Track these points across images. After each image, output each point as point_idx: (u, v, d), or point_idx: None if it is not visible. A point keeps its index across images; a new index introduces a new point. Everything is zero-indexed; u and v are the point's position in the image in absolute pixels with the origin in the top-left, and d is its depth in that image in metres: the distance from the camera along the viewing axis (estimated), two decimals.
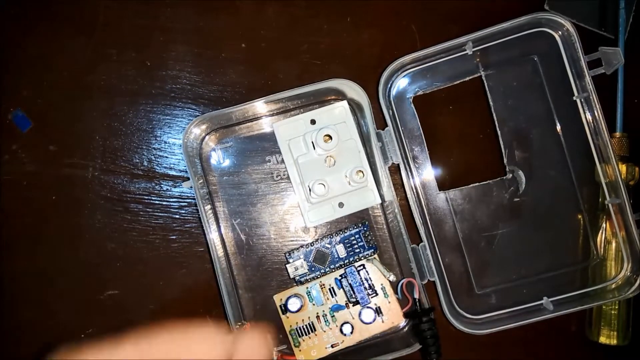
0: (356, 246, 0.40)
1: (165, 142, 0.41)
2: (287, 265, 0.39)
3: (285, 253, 0.40)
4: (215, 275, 0.37)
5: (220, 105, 0.41)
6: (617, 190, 0.38)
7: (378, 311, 0.39)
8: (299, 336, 0.39)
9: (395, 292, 0.39)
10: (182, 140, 0.38)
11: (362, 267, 0.39)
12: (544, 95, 0.41)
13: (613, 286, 0.40)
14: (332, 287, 0.39)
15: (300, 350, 0.39)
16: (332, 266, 0.40)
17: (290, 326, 0.39)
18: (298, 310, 0.39)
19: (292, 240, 0.40)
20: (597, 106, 0.38)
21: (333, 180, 0.39)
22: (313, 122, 0.39)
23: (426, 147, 0.41)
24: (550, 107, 0.41)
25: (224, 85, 0.41)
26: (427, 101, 0.41)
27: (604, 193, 0.40)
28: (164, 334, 0.22)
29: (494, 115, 0.40)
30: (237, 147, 0.40)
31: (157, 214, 0.41)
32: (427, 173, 0.41)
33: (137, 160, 0.41)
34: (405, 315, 0.39)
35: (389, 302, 0.39)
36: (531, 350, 0.42)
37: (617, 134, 0.40)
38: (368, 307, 0.39)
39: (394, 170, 0.40)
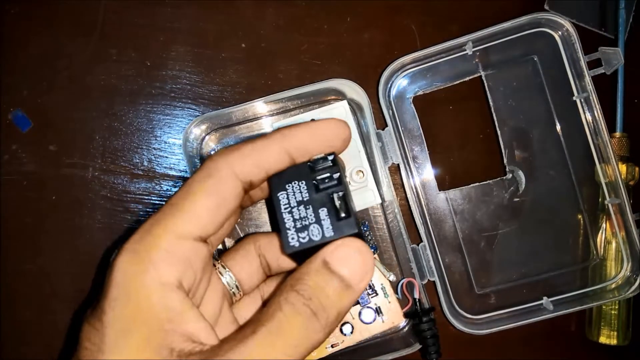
0: None
1: (165, 142, 0.41)
2: None
3: None
4: None
5: (220, 105, 0.41)
6: (617, 190, 0.38)
7: (378, 311, 0.39)
8: None
9: (395, 292, 0.39)
10: (182, 140, 0.38)
11: None
12: (544, 95, 0.41)
13: (613, 286, 0.40)
14: None
15: None
16: None
17: None
18: None
19: None
20: (597, 106, 0.38)
21: None
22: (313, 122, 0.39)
23: (426, 147, 0.41)
24: (550, 107, 0.41)
25: (224, 85, 0.41)
26: (427, 101, 0.41)
27: (603, 193, 0.40)
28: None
29: (494, 115, 0.40)
30: None
31: None
32: (427, 173, 0.41)
33: (137, 160, 0.41)
34: (405, 315, 0.39)
35: (389, 302, 0.39)
36: (531, 350, 0.42)
37: (617, 134, 0.40)
38: (368, 307, 0.39)
39: (394, 170, 0.40)
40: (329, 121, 0.23)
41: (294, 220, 0.22)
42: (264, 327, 0.19)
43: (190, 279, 0.20)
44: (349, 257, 0.21)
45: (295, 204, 0.22)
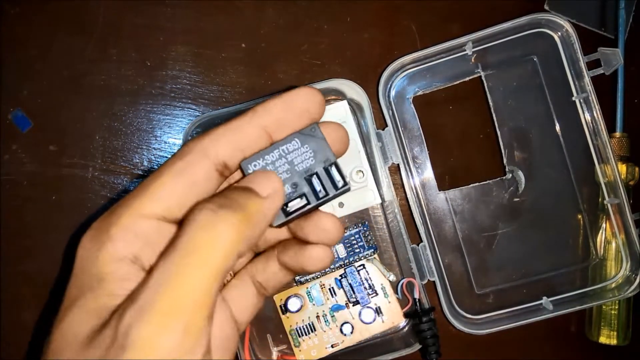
0: (356, 246, 0.40)
1: (165, 142, 0.41)
2: None
3: None
4: None
5: (220, 105, 0.41)
6: (616, 190, 0.38)
7: (378, 311, 0.39)
8: (299, 336, 0.39)
9: (395, 292, 0.39)
10: (182, 140, 0.38)
11: (362, 267, 0.39)
12: (543, 96, 0.41)
13: (613, 286, 0.40)
14: (332, 287, 0.40)
15: (300, 351, 0.39)
16: (332, 266, 0.40)
17: (290, 326, 0.39)
18: (298, 310, 0.39)
19: None
20: (596, 107, 0.38)
21: None
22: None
23: (426, 147, 0.41)
24: (550, 107, 0.41)
25: (224, 85, 0.41)
26: (427, 101, 0.41)
27: (603, 193, 0.40)
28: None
29: (494, 115, 0.40)
30: None
31: None
32: (427, 173, 0.41)
33: (137, 160, 0.41)
34: (405, 315, 0.39)
35: (389, 302, 0.39)
36: (531, 350, 0.42)
37: (617, 134, 0.40)
38: (368, 307, 0.39)
39: (394, 170, 0.40)
40: (300, 91, 0.23)
41: (273, 162, 0.22)
42: (179, 238, 0.19)
43: (149, 256, 0.20)
44: (256, 174, 0.22)
45: (289, 160, 0.22)
